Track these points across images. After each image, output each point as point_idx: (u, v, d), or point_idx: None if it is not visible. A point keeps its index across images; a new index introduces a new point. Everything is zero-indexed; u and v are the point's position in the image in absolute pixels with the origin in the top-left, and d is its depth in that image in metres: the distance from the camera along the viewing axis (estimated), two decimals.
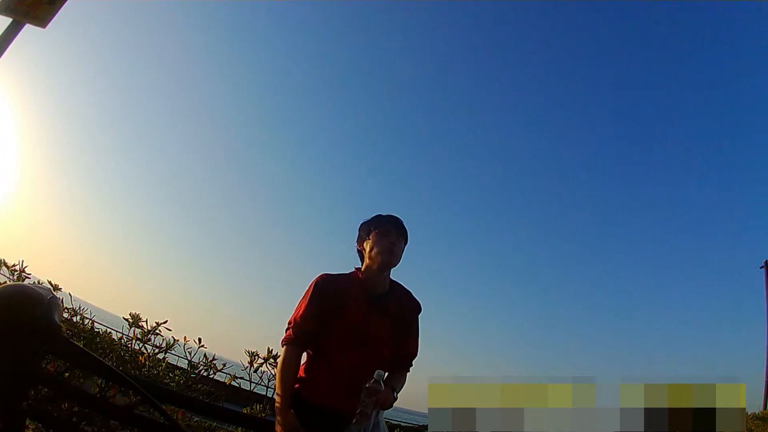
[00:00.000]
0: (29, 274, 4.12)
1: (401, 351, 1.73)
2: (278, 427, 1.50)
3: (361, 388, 1.44)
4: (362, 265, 1.77)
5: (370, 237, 1.75)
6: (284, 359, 1.63)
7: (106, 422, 2.23)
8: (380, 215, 1.79)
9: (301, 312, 1.66)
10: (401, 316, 1.72)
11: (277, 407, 1.55)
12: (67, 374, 2.29)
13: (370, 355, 1.62)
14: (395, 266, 1.74)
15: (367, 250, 1.74)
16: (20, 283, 2.61)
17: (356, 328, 1.63)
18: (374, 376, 1.42)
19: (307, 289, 1.71)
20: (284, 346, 1.66)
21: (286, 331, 1.68)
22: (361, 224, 1.83)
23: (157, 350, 3.14)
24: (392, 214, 1.79)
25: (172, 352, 3.22)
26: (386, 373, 1.57)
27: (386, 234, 1.72)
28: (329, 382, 1.59)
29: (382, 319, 1.67)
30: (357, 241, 1.82)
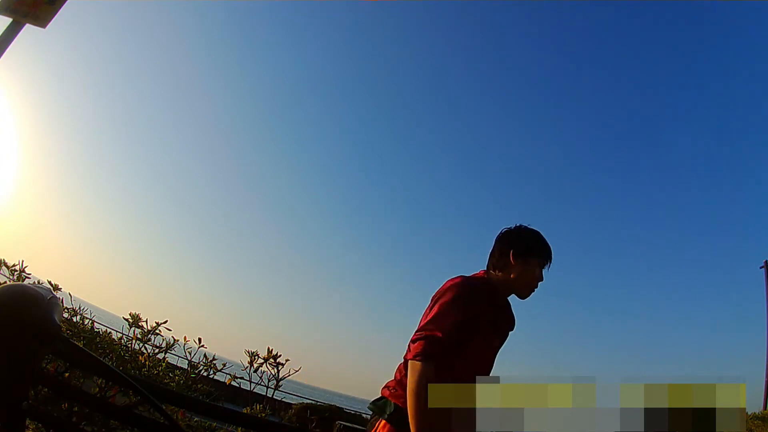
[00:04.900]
0: (29, 274, 4.13)
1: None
2: None
3: None
4: (500, 272, 1.59)
5: (529, 263, 1.56)
6: (424, 379, 1.32)
7: (106, 422, 2.24)
8: (549, 248, 1.61)
9: (447, 322, 1.42)
10: (508, 327, 1.68)
11: None
12: (67, 374, 2.30)
13: (491, 362, 1.59)
14: None
15: (515, 273, 1.57)
16: (20, 283, 2.61)
17: (488, 336, 1.57)
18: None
19: (447, 293, 1.48)
20: (420, 362, 1.36)
21: (421, 341, 1.40)
22: (529, 234, 1.62)
23: (157, 350, 3.15)
24: (550, 248, 1.62)
25: (172, 352, 3.23)
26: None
27: (542, 269, 1.59)
28: None
29: (503, 327, 1.65)
30: (511, 245, 1.59)
